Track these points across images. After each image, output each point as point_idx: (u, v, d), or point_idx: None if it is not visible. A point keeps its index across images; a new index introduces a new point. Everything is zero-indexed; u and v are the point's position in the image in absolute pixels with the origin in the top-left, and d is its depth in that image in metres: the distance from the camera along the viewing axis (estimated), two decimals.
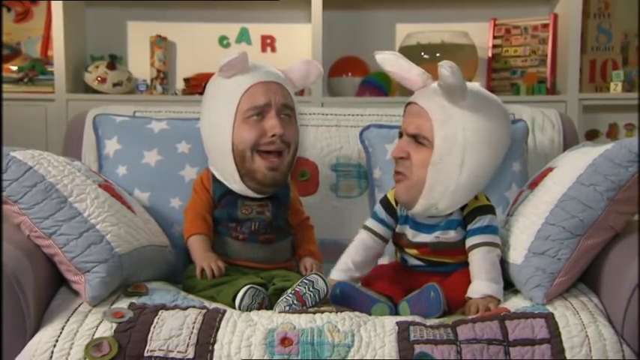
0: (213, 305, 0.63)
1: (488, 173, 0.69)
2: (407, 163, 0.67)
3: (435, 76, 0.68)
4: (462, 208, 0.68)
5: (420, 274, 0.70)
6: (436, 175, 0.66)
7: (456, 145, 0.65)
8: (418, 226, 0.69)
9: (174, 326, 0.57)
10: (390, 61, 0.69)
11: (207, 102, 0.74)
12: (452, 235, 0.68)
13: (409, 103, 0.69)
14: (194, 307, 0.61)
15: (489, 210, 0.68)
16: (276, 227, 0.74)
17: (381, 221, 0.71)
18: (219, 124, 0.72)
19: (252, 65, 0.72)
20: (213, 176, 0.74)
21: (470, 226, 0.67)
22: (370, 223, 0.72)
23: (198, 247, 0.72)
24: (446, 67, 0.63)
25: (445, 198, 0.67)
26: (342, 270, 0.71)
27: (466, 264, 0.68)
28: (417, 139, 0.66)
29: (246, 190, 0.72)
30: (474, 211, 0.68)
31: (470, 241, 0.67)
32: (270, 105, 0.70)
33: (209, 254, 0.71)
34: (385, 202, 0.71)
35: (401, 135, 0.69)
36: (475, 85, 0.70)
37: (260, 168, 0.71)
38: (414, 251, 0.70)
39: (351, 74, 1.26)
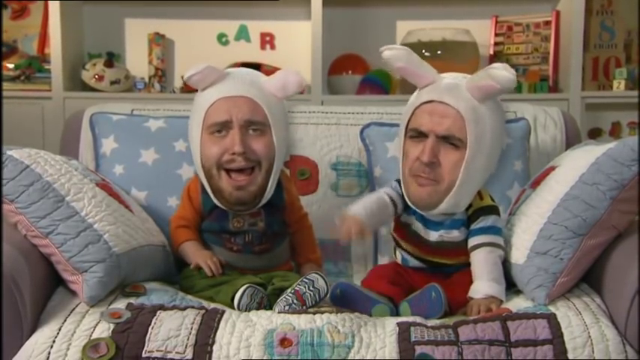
0: (211, 305, 0.63)
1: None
2: (438, 167, 0.64)
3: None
4: (467, 208, 0.67)
5: (421, 275, 0.69)
6: (467, 176, 0.64)
7: (484, 144, 0.64)
8: (425, 221, 0.67)
9: (172, 327, 0.57)
10: (402, 57, 0.65)
11: (191, 114, 0.73)
12: (455, 234, 0.67)
13: (431, 102, 0.65)
14: (192, 307, 0.60)
15: (493, 210, 0.67)
16: (272, 235, 0.72)
17: (397, 192, 0.68)
18: (192, 138, 0.71)
19: (223, 76, 0.69)
20: (203, 187, 0.72)
21: (473, 226, 0.66)
22: (386, 189, 0.69)
23: (191, 247, 0.72)
24: (510, 71, 0.61)
25: (467, 197, 0.66)
26: (363, 214, 0.64)
27: (467, 265, 0.67)
28: (449, 140, 0.64)
29: (221, 205, 0.70)
30: (478, 211, 0.67)
31: (472, 241, 0.66)
32: (232, 121, 0.68)
33: (204, 252, 0.71)
34: (400, 185, 0.68)
35: (419, 135, 0.65)
36: None
37: (226, 187, 0.69)
38: (415, 250, 0.69)
39: (352, 72, 1.25)
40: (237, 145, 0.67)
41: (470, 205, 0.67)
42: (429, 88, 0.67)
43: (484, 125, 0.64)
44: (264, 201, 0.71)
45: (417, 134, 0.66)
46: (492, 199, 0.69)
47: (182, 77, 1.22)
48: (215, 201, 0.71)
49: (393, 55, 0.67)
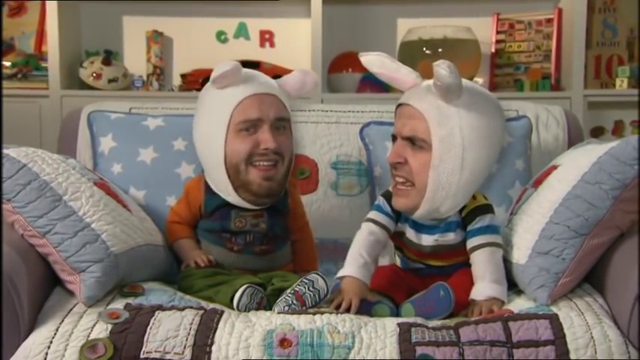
0: (210, 306, 0.62)
1: (487, 170, 0.67)
2: (406, 168, 0.64)
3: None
4: (461, 209, 0.66)
5: (420, 276, 0.69)
6: (437, 179, 0.64)
7: (454, 145, 0.63)
8: (417, 226, 0.67)
9: (170, 327, 0.56)
10: (377, 63, 0.67)
11: (200, 112, 0.72)
12: (451, 237, 0.66)
13: (400, 105, 0.66)
14: (191, 307, 0.60)
15: (489, 209, 0.67)
16: (273, 237, 0.72)
17: (385, 213, 0.67)
18: (211, 136, 0.70)
19: (245, 75, 0.70)
20: (207, 187, 0.72)
21: (470, 227, 0.66)
22: (374, 215, 0.68)
23: (186, 246, 0.72)
24: (444, 67, 0.61)
25: (448, 201, 0.65)
26: (359, 266, 0.63)
27: (465, 264, 0.66)
28: (414, 142, 0.64)
29: (242, 201, 0.70)
30: (473, 211, 0.66)
31: (472, 242, 0.66)
32: (263, 119, 0.69)
33: (198, 252, 0.71)
34: (388, 196, 0.68)
35: (395, 138, 0.66)
36: (467, 82, 0.66)
37: (255, 179, 0.69)
38: (412, 255, 0.69)
39: (352, 70, 1.25)
40: (271, 141, 0.68)
41: (464, 206, 0.66)
42: (405, 92, 0.67)
43: (452, 125, 0.63)
44: (278, 194, 0.71)
45: (394, 138, 0.67)
46: (486, 198, 0.68)
47: (182, 75, 1.21)
48: (235, 198, 0.70)
49: (368, 61, 0.67)
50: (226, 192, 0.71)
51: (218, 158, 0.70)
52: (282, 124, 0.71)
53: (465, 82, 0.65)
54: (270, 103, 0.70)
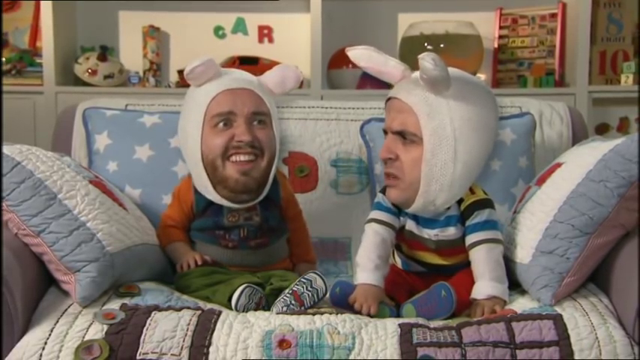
0: (208, 306, 0.61)
1: (482, 161, 0.66)
2: (397, 163, 0.63)
3: None
4: (460, 203, 0.65)
5: (421, 277, 0.68)
6: (430, 172, 0.62)
7: (445, 137, 0.62)
8: (418, 219, 0.66)
9: (167, 328, 0.55)
10: (364, 57, 0.65)
11: (182, 111, 0.73)
12: (451, 232, 0.65)
13: (389, 99, 0.65)
14: (188, 308, 0.59)
15: (487, 204, 0.65)
16: (268, 229, 0.72)
17: (387, 210, 0.66)
18: (189, 133, 0.71)
19: (223, 72, 0.70)
20: (195, 187, 0.73)
21: (468, 222, 0.65)
22: (377, 214, 0.67)
23: (181, 248, 0.71)
24: (428, 60, 0.59)
25: (442, 193, 0.64)
26: (370, 270, 0.62)
27: (467, 264, 0.65)
28: (404, 136, 0.63)
29: (221, 199, 0.70)
30: (471, 206, 0.65)
31: (470, 238, 0.65)
32: (236, 112, 0.68)
33: (192, 252, 0.71)
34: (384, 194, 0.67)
35: (386, 133, 0.65)
36: (456, 71, 0.64)
37: (232, 174, 0.69)
38: (413, 252, 0.68)
39: (352, 66, 1.21)
40: (245, 134, 0.68)
41: (462, 200, 0.65)
42: (395, 86, 0.66)
43: (442, 117, 0.62)
44: (264, 192, 0.71)
45: (385, 133, 0.66)
46: (485, 192, 0.67)
47: (179, 72, 1.21)
48: (215, 196, 0.70)
49: (355, 55, 0.66)
50: (206, 190, 0.70)
51: (196, 155, 0.70)
52: (259, 119, 0.70)
53: (455, 72, 0.64)
54: (246, 97, 0.69)
